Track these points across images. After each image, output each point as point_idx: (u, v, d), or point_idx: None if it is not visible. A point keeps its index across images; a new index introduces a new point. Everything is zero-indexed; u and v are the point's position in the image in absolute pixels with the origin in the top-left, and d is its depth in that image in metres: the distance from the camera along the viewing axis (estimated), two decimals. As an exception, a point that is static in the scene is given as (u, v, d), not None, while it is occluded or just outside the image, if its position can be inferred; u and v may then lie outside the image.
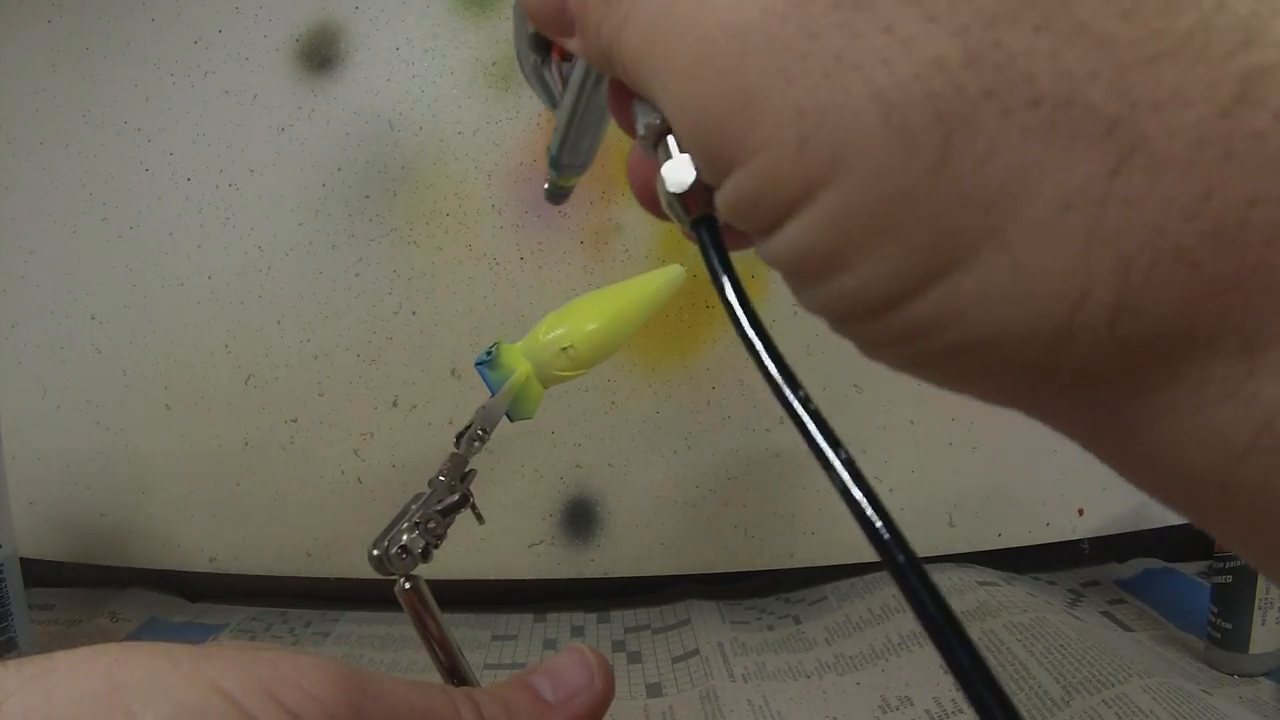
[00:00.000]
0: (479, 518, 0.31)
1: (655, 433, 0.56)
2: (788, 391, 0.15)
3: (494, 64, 0.54)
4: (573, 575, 0.57)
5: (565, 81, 0.22)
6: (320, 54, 0.54)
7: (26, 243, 0.57)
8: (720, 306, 0.55)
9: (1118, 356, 0.13)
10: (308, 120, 0.55)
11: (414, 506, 0.30)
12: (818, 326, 0.18)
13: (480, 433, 0.31)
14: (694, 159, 0.16)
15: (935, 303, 0.14)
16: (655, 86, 0.16)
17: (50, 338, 0.57)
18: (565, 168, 0.25)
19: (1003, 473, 0.56)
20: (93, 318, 0.57)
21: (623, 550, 0.57)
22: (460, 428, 0.32)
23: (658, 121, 0.17)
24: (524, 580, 0.57)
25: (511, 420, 0.33)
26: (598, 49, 0.17)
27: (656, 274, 0.35)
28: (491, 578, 0.56)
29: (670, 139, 0.17)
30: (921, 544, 0.57)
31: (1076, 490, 0.57)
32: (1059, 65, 0.12)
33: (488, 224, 0.54)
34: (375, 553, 0.28)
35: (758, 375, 0.52)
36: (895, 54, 0.13)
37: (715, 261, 0.17)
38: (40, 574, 0.58)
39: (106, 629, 0.55)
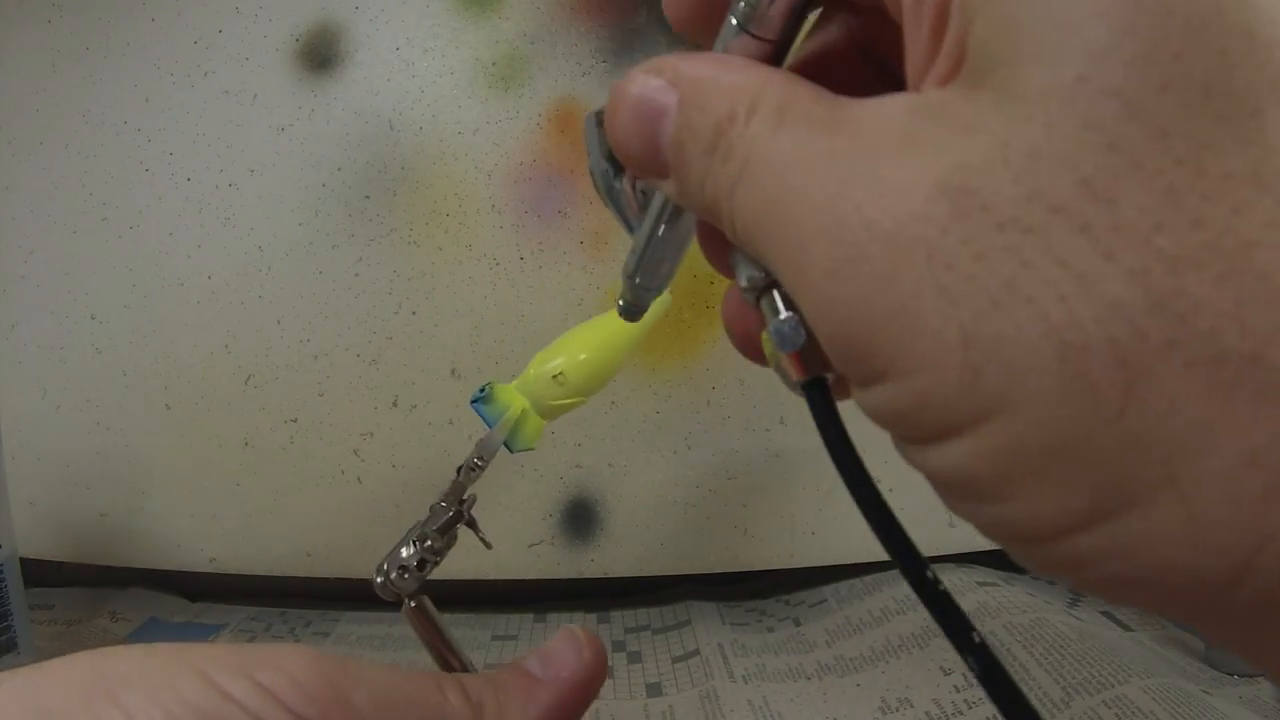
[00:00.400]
0: (485, 544, 0.32)
1: (655, 433, 0.56)
2: (908, 565, 0.16)
3: (494, 64, 0.54)
4: (573, 575, 0.57)
5: (642, 202, 0.21)
6: (320, 54, 0.54)
7: (26, 243, 0.57)
8: (719, 308, 0.55)
9: None
10: (308, 120, 0.55)
11: (413, 530, 0.30)
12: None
13: (477, 462, 0.31)
14: (832, 360, 0.15)
15: (1099, 540, 0.13)
16: (779, 267, 0.15)
17: (50, 338, 0.57)
18: (642, 290, 0.24)
19: (1003, 473, 0.56)
20: (93, 318, 0.57)
21: (623, 550, 0.57)
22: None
23: (762, 276, 0.16)
24: (524, 580, 0.57)
25: (512, 451, 0.33)
26: (699, 203, 0.17)
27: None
28: (491, 578, 0.56)
29: (776, 295, 0.16)
30: (921, 544, 0.57)
31: (1076, 490, 0.57)
32: (1244, 321, 0.12)
33: (488, 224, 0.54)
34: (379, 579, 0.29)
35: (757, 375, 0.52)
36: (1071, 291, 0.12)
37: (828, 426, 0.16)
38: (40, 574, 0.58)
39: (106, 629, 0.55)
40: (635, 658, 0.52)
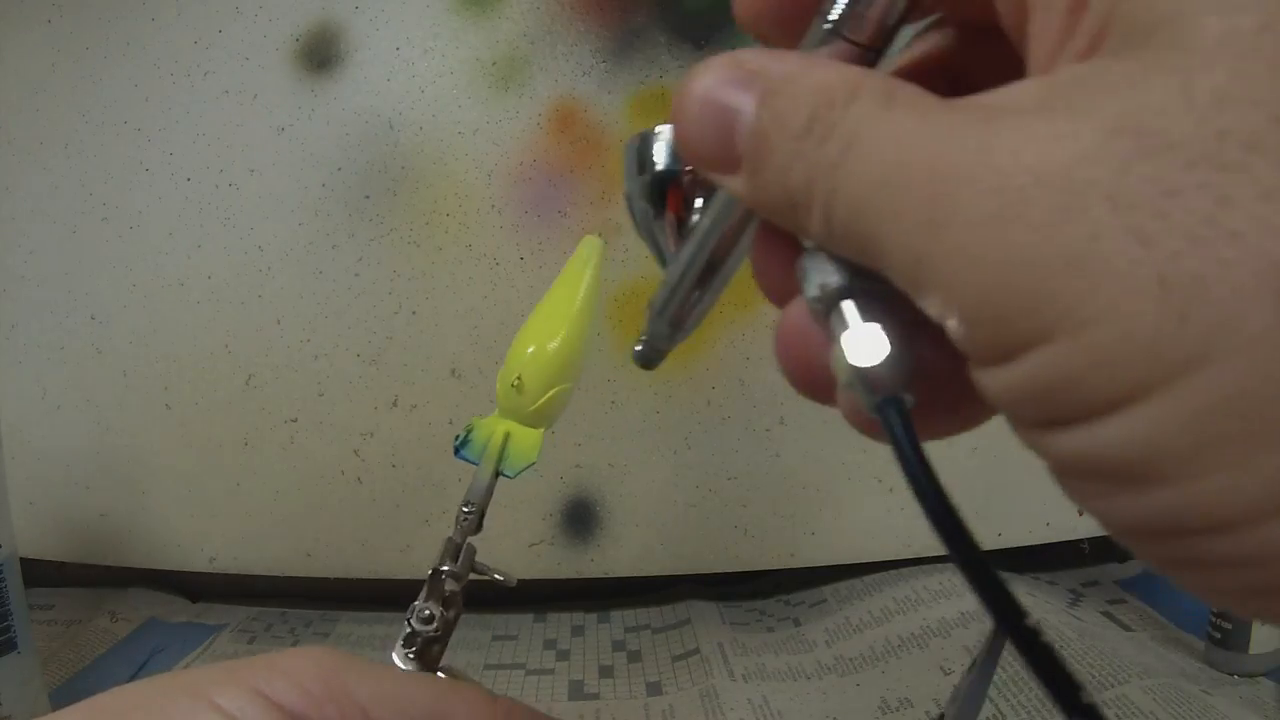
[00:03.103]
0: (504, 581, 0.31)
1: (655, 433, 0.56)
2: (995, 606, 0.14)
3: (494, 64, 0.54)
4: (573, 575, 0.57)
5: (680, 236, 0.20)
6: (320, 54, 0.54)
7: (26, 243, 0.57)
8: (722, 306, 0.55)
9: None
10: (308, 120, 0.55)
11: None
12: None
13: (465, 511, 0.29)
14: (960, 329, 0.13)
15: None
16: (898, 240, 0.13)
17: (50, 338, 0.57)
18: (671, 329, 0.22)
19: (1003, 473, 0.56)
20: (93, 318, 0.57)
21: (623, 550, 0.57)
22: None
23: (835, 283, 0.15)
24: (524, 580, 0.57)
25: (512, 476, 0.31)
26: (779, 194, 0.15)
27: (574, 258, 0.34)
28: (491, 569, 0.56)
29: (848, 305, 0.15)
30: (922, 544, 0.57)
31: (1076, 490, 0.57)
32: None
33: (488, 224, 0.54)
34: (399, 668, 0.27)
35: (758, 375, 0.52)
36: None
37: (907, 450, 0.14)
38: (40, 574, 0.58)
39: (106, 629, 0.55)
40: (635, 656, 0.52)
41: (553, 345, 0.32)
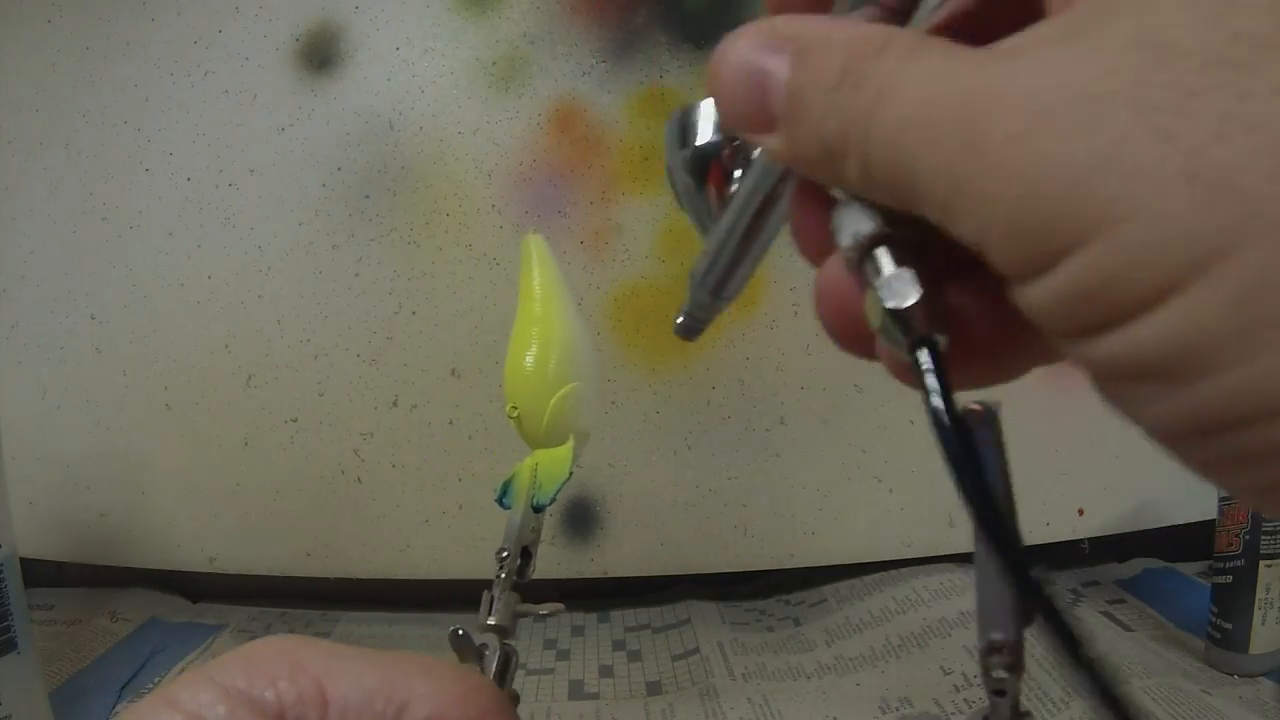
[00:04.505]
0: (554, 611, 0.30)
1: (655, 433, 0.56)
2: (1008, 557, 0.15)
3: (494, 64, 0.54)
4: (572, 575, 0.57)
5: (720, 206, 0.21)
6: (320, 54, 0.54)
7: (26, 243, 0.57)
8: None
9: None
10: (308, 120, 0.55)
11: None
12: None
13: (502, 555, 0.29)
14: (997, 247, 0.14)
15: None
16: (935, 166, 0.14)
17: (50, 338, 0.57)
18: (717, 299, 0.22)
19: (1003, 473, 0.56)
20: (93, 318, 0.57)
21: (623, 550, 0.57)
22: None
23: (869, 230, 0.16)
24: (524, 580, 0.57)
25: (549, 502, 0.30)
26: (817, 144, 0.16)
27: (521, 264, 0.33)
28: (492, 578, 0.56)
29: (883, 251, 0.16)
30: (922, 544, 0.57)
31: (1076, 490, 0.57)
32: None
33: (488, 224, 0.54)
34: None
35: (757, 375, 0.52)
36: None
37: (937, 388, 0.15)
38: (40, 574, 0.58)
39: (106, 629, 0.55)
40: (635, 656, 0.52)
41: (529, 360, 0.31)
